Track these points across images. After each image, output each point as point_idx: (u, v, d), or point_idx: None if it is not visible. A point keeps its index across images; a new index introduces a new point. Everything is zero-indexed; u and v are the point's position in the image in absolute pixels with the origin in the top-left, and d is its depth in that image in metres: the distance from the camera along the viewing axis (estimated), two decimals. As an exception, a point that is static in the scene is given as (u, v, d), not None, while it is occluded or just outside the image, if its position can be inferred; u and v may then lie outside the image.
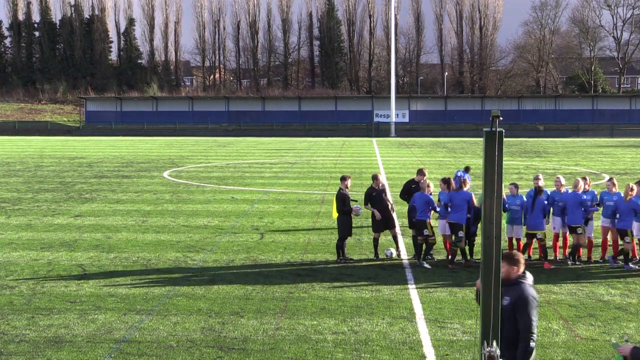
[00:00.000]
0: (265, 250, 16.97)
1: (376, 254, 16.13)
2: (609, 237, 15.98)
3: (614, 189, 15.96)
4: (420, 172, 16.88)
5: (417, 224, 15.68)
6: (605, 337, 10.75)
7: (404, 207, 23.46)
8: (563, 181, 16.19)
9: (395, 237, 16.57)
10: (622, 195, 15.38)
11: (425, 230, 15.51)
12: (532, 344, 6.84)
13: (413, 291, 13.28)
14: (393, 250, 16.26)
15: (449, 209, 15.53)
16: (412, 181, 16.86)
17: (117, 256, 16.32)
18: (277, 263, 15.70)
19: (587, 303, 12.53)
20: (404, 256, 16.39)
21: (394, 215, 16.84)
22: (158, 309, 12.11)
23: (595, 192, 16.34)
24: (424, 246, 15.65)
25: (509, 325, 6.87)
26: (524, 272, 7.15)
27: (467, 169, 22.37)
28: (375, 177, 16.73)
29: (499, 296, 6.36)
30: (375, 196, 16.33)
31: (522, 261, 7.20)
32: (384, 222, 16.23)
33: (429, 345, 10.37)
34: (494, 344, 6.19)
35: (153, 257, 16.27)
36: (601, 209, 16.10)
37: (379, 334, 10.80)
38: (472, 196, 15.68)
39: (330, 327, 11.13)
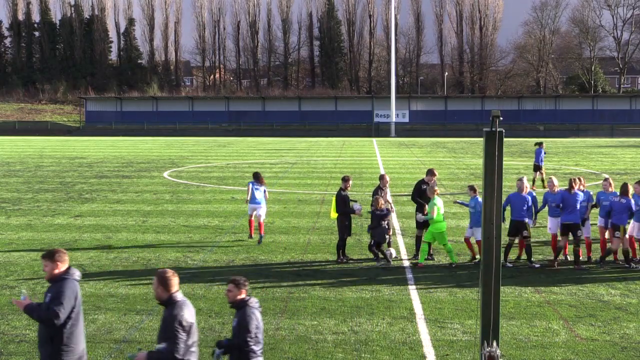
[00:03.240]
0: (265, 250, 16.97)
1: (376, 254, 16.11)
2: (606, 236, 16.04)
3: (610, 189, 15.99)
4: (431, 172, 16.83)
5: (515, 225, 15.56)
6: (606, 337, 10.76)
7: (403, 208, 23.48)
8: (556, 182, 16.19)
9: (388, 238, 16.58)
10: (618, 194, 15.52)
11: (525, 231, 15.43)
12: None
13: (413, 291, 13.28)
14: (393, 251, 16.25)
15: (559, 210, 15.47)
16: (422, 181, 16.76)
17: (117, 256, 16.32)
18: (277, 263, 15.71)
19: (587, 303, 12.53)
20: (404, 256, 16.39)
21: (394, 215, 16.84)
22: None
23: (591, 193, 16.37)
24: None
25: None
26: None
27: (540, 144, 28.24)
28: (382, 177, 16.76)
29: (498, 296, 6.37)
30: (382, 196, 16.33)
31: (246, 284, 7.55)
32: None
33: (429, 345, 10.38)
34: (494, 344, 6.19)
35: (153, 257, 16.27)
36: (598, 209, 16.15)
37: (379, 334, 10.80)
38: (591, 195, 15.95)
39: (330, 327, 11.13)
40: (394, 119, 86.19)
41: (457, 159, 46.07)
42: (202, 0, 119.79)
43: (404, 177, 33.35)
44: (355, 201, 16.53)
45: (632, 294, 13.15)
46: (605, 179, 16.46)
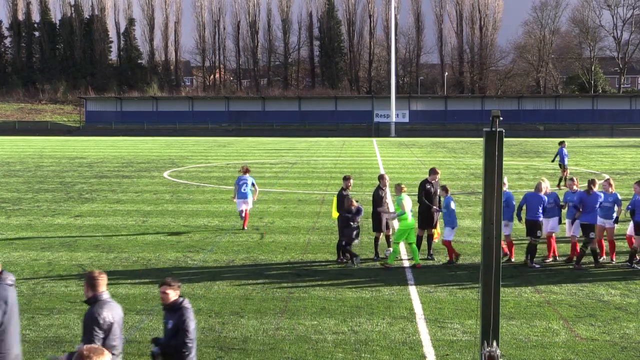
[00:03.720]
0: (265, 250, 16.97)
1: (376, 253, 16.13)
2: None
3: (610, 190, 16.00)
4: (433, 171, 16.83)
5: (529, 225, 15.54)
6: (606, 337, 10.76)
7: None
8: (546, 183, 16.16)
9: (387, 238, 16.57)
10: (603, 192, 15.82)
11: (539, 231, 15.42)
12: None
13: (413, 291, 13.28)
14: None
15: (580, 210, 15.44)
16: (426, 181, 16.74)
17: (117, 256, 16.32)
18: (277, 263, 15.71)
19: (587, 303, 12.53)
20: (404, 256, 16.39)
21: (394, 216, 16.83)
22: (158, 309, 12.10)
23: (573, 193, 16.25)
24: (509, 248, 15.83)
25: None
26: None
27: (562, 143, 29.55)
28: (381, 177, 16.75)
29: (498, 296, 6.37)
30: (382, 197, 16.33)
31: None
32: (382, 223, 16.27)
33: (429, 345, 10.38)
34: (494, 344, 6.20)
35: (153, 257, 16.27)
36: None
37: (379, 334, 10.80)
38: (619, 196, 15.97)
39: (330, 327, 11.12)
40: (394, 119, 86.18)
41: (457, 159, 46.07)
42: (202, 0, 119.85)
43: (404, 177, 33.33)
44: (357, 201, 16.54)
45: (632, 294, 13.15)
46: (606, 180, 16.43)
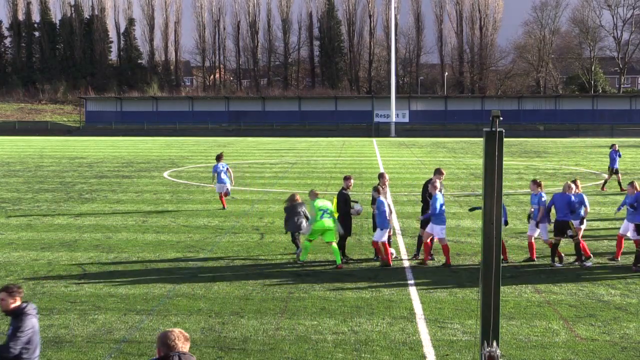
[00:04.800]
0: (265, 250, 16.97)
1: (376, 253, 16.12)
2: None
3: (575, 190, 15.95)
4: (438, 171, 16.80)
5: (558, 225, 15.52)
6: (606, 337, 10.76)
7: (403, 208, 23.48)
8: (637, 185, 16.05)
9: (388, 238, 16.55)
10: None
11: (569, 230, 15.39)
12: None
13: (413, 291, 13.28)
14: (393, 251, 16.25)
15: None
16: (430, 181, 16.73)
17: (117, 256, 16.32)
18: (277, 263, 15.71)
19: (587, 303, 12.53)
20: (404, 256, 16.40)
21: (394, 216, 16.84)
22: (158, 309, 12.11)
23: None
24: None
25: None
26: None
27: (613, 146, 29.23)
28: (381, 175, 16.73)
29: (498, 296, 6.37)
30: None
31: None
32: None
33: (429, 345, 10.38)
34: (494, 344, 6.20)
35: (153, 257, 16.28)
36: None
37: (379, 334, 10.80)
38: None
39: (330, 327, 11.12)
40: (394, 119, 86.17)
41: (457, 159, 46.06)
42: (202, 0, 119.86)
43: (404, 177, 33.35)
44: (357, 202, 16.54)
45: (632, 294, 13.15)
46: (630, 183, 16.20)
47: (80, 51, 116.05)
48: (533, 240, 15.84)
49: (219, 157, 24.17)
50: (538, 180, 16.33)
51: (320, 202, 15.51)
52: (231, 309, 12.10)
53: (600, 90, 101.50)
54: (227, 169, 23.99)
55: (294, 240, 16.47)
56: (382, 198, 15.61)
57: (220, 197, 23.55)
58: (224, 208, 23.11)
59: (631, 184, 15.85)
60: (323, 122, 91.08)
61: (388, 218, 15.47)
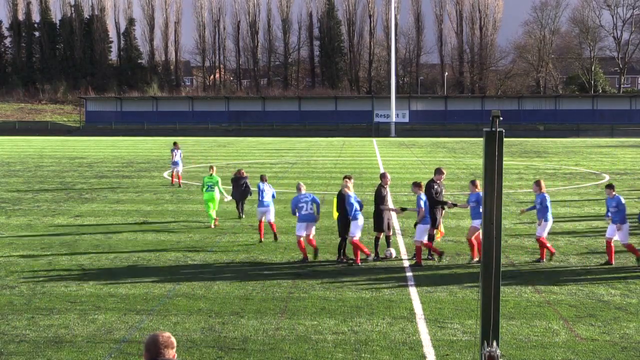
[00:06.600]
0: (265, 250, 16.96)
1: (376, 253, 16.13)
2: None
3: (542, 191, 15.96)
4: (439, 171, 16.81)
5: None
6: (606, 337, 10.75)
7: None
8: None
9: (388, 238, 16.56)
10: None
11: None
12: None
13: (413, 291, 13.28)
14: (393, 251, 16.25)
15: None
16: (432, 181, 16.72)
17: (117, 256, 16.32)
18: (277, 263, 15.70)
19: (587, 303, 12.52)
20: (404, 256, 16.39)
21: (394, 215, 16.83)
22: (158, 309, 12.11)
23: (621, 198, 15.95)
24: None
25: None
26: None
27: None
28: (383, 175, 16.74)
29: (498, 296, 6.37)
30: (384, 196, 16.33)
31: None
32: (384, 222, 16.26)
33: (429, 345, 10.37)
34: (494, 344, 6.19)
35: (153, 257, 16.27)
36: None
37: (379, 334, 10.80)
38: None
39: (330, 327, 11.12)
40: (394, 119, 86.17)
41: (457, 159, 46.06)
42: (202, 0, 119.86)
43: (404, 177, 33.34)
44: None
45: (632, 294, 13.15)
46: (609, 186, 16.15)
47: (80, 51, 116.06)
48: (613, 243, 15.49)
49: (262, 178, 18.82)
50: (612, 185, 16.02)
51: (207, 178, 20.29)
52: (231, 309, 12.10)
53: (600, 90, 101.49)
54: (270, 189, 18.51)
55: (237, 207, 21.40)
56: (352, 194, 15.79)
57: (260, 226, 18.15)
58: (261, 241, 17.95)
59: (610, 186, 15.76)
60: (323, 122, 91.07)
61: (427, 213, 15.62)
